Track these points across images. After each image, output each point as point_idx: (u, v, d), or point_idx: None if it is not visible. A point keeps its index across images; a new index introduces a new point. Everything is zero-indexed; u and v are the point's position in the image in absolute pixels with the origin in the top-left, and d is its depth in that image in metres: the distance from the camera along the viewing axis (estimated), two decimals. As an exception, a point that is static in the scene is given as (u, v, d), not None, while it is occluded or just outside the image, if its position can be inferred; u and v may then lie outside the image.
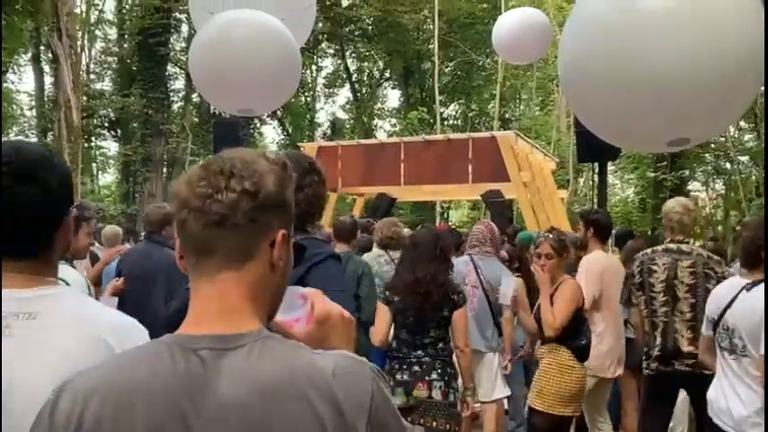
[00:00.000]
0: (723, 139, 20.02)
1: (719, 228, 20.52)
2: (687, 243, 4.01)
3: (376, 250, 5.36)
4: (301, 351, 1.00)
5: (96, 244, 6.02)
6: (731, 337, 2.81)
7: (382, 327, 3.76)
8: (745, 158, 21.42)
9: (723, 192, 23.98)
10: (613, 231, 7.04)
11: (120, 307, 3.83)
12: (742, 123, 20.21)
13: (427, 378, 3.67)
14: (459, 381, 3.90)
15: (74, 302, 1.31)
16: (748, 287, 2.79)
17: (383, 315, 3.77)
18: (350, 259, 4.84)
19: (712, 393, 2.94)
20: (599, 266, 4.58)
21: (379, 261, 5.13)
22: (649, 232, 17.05)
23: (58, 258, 1.36)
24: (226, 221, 0.99)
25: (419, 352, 3.74)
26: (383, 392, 1.00)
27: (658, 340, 3.86)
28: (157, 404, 0.93)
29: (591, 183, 21.26)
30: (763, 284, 2.69)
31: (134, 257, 4.40)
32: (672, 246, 3.95)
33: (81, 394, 0.95)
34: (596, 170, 8.36)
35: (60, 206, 1.31)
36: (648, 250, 4.08)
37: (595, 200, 9.74)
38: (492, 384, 4.57)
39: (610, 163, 11.87)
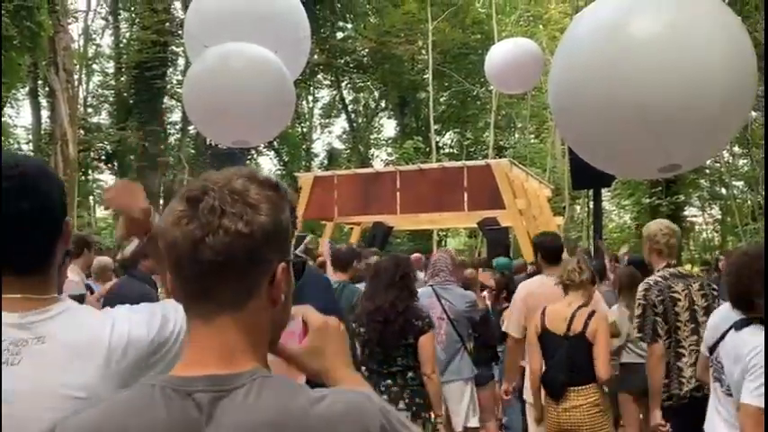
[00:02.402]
0: (718, 164, 20.15)
1: (717, 252, 20.50)
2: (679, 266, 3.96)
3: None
4: (301, 391, 0.93)
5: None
6: (720, 372, 2.71)
7: None
8: (740, 183, 21.55)
9: (719, 217, 24.05)
10: (625, 258, 7.02)
11: None
12: (736, 149, 20.37)
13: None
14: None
15: (80, 317, 1.28)
16: (737, 326, 2.65)
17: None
18: (345, 287, 4.82)
19: (709, 426, 2.81)
20: (523, 291, 4.49)
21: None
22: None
23: (56, 273, 1.34)
24: (221, 268, 0.91)
25: (388, 381, 3.68)
26: (393, 427, 0.93)
27: (690, 371, 3.63)
28: None
29: (587, 210, 21.33)
30: (751, 326, 2.57)
31: (115, 295, 4.34)
32: (673, 270, 3.84)
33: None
34: (592, 197, 8.40)
35: (61, 216, 1.31)
36: (658, 277, 3.84)
37: (592, 227, 9.76)
38: (464, 414, 4.50)
39: (605, 189, 11.94)
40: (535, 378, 3.92)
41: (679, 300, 3.73)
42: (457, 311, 4.48)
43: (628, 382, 4.67)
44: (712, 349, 2.84)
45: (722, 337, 2.71)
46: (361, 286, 5.15)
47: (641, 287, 3.87)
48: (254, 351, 0.96)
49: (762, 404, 2.36)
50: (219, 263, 0.90)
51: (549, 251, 4.55)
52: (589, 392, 3.70)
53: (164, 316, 1.31)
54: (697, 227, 24.68)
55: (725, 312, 2.84)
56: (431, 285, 4.65)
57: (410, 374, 3.70)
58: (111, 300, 4.24)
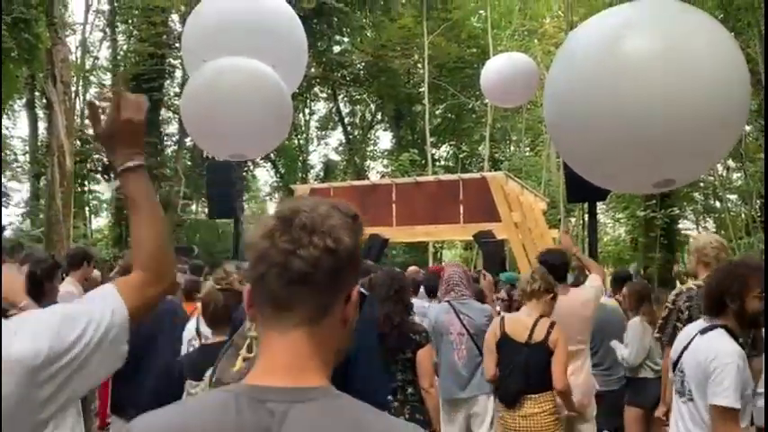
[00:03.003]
0: (712, 177, 20.25)
1: (711, 266, 20.55)
2: None
3: None
4: (372, 412, 1.00)
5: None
6: (682, 380, 2.75)
7: None
8: (734, 197, 21.66)
9: (714, 230, 24.13)
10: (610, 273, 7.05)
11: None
12: (730, 163, 20.49)
13: None
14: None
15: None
16: (703, 331, 2.68)
17: None
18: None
19: None
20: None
21: None
22: (642, 271, 17.05)
23: None
24: (308, 279, 0.99)
25: (389, 397, 3.65)
26: None
27: None
28: None
29: (582, 222, 21.38)
30: (716, 331, 2.63)
31: None
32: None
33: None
34: (587, 210, 8.43)
35: None
36: (692, 285, 3.87)
37: (587, 239, 9.78)
38: (487, 428, 4.50)
39: (600, 202, 11.99)
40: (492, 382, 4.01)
41: None
42: (476, 326, 4.46)
43: (639, 396, 4.69)
44: (676, 363, 2.85)
45: (687, 346, 2.75)
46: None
47: (673, 293, 3.98)
48: (324, 366, 1.02)
49: (730, 404, 2.46)
50: (308, 274, 0.98)
51: (556, 268, 4.48)
52: (545, 400, 3.75)
53: (71, 321, 1.23)
54: (691, 240, 24.73)
55: (690, 329, 2.87)
56: (447, 301, 4.62)
57: (410, 390, 3.70)
58: None
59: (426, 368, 3.67)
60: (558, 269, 4.44)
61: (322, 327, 1.01)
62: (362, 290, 2.08)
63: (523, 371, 3.75)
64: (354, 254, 1.04)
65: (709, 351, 2.57)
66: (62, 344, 1.19)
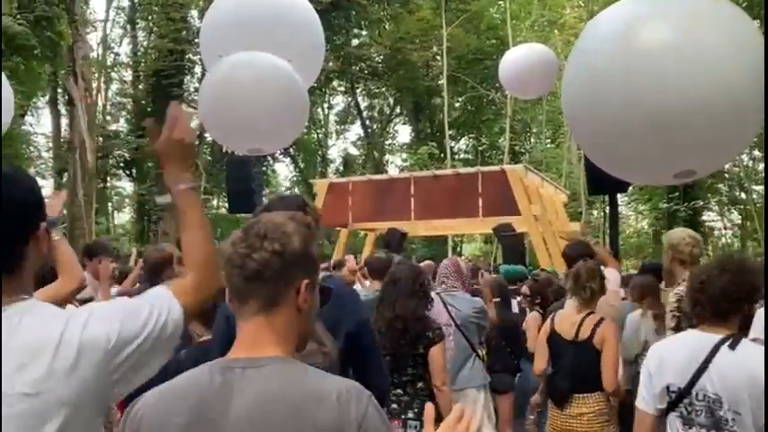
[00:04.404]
0: (737, 168, 19.94)
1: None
2: None
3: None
4: (314, 373, 1.27)
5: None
6: (713, 409, 2.25)
7: None
8: (759, 188, 21.29)
9: (739, 222, 23.78)
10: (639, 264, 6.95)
11: None
12: (756, 153, 20.14)
13: (403, 417, 3.55)
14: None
15: (38, 317, 1.29)
16: (731, 344, 2.25)
17: None
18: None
19: None
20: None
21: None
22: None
23: (31, 274, 1.36)
24: (260, 276, 1.26)
25: (398, 390, 3.63)
26: (378, 416, 1.23)
27: None
28: (194, 408, 1.21)
29: (603, 215, 21.20)
30: (745, 341, 2.28)
31: None
32: None
33: (148, 400, 1.27)
34: (608, 202, 8.33)
35: (28, 219, 1.32)
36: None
37: (608, 232, 9.69)
38: (478, 422, 4.44)
39: (622, 195, 11.86)
40: (541, 379, 3.93)
41: None
42: (464, 317, 4.41)
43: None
44: (686, 391, 2.31)
45: (704, 367, 2.26)
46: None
47: (672, 299, 3.72)
48: (282, 344, 1.28)
49: None
50: (259, 272, 1.25)
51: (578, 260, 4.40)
52: (595, 401, 3.63)
53: (134, 311, 1.34)
54: (716, 232, 24.42)
55: (689, 342, 2.39)
56: (437, 293, 4.59)
57: (420, 384, 3.65)
58: None
59: (439, 365, 3.62)
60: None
61: (276, 314, 1.28)
62: (329, 285, 2.12)
63: (570, 370, 3.67)
64: (303, 255, 1.29)
65: (761, 366, 2.14)
66: (130, 330, 1.31)
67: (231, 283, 1.29)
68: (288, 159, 29.27)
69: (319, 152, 30.43)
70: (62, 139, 23.14)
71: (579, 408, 3.63)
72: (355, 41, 28.08)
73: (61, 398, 1.20)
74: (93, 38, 23.74)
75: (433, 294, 4.57)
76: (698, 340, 2.34)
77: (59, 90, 22.04)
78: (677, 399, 2.33)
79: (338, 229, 13.29)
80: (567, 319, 3.80)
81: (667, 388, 2.36)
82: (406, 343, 3.59)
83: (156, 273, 4.24)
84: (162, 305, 1.38)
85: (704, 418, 2.27)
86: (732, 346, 2.25)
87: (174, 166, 1.63)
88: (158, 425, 1.23)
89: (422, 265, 7.28)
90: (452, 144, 26.18)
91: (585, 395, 3.63)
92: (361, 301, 2.36)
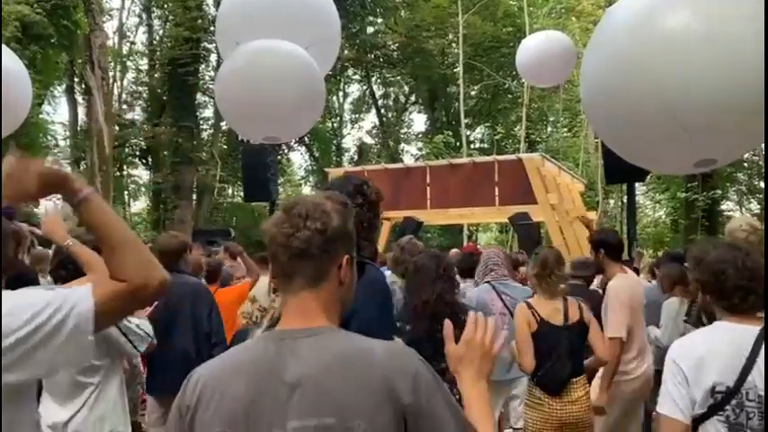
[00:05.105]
0: (756, 157, 19.67)
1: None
2: None
3: (388, 274, 5.19)
4: (361, 338, 1.36)
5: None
6: (754, 414, 2.02)
7: None
8: (779, 177, 20.98)
9: (758, 211, 23.48)
10: (637, 251, 6.92)
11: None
12: (775, 141, 19.83)
13: None
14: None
15: None
16: None
17: None
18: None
19: None
20: (625, 294, 4.21)
21: (393, 288, 4.92)
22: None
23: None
24: (305, 254, 1.34)
25: None
26: (427, 369, 1.31)
27: None
28: (254, 373, 1.31)
29: (620, 204, 21.03)
30: None
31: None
32: None
33: (203, 371, 1.36)
34: (625, 191, 8.25)
35: None
36: None
37: (625, 221, 9.61)
38: (522, 410, 4.43)
39: (639, 184, 11.73)
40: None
41: None
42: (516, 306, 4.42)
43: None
44: (735, 391, 2.05)
45: (751, 363, 2.05)
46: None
47: None
48: (328, 316, 1.37)
49: None
50: (302, 249, 1.33)
51: (615, 247, 4.37)
52: (583, 383, 3.70)
53: (25, 303, 1.32)
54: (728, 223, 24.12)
55: (726, 335, 2.15)
56: (488, 281, 4.61)
57: None
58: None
59: None
60: (615, 248, 4.36)
61: (321, 288, 1.37)
62: (367, 261, 2.19)
63: (569, 355, 3.66)
64: (343, 232, 1.38)
65: None
66: (15, 320, 1.28)
67: (277, 262, 1.36)
68: (303, 148, 29.30)
69: (334, 141, 30.40)
70: (79, 128, 23.31)
71: (577, 392, 3.65)
72: (371, 29, 27.95)
73: None
74: (110, 27, 23.85)
75: (482, 284, 4.58)
76: (734, 333, 2.13)
77: (76, 79, 22.19)
78: (724, 400, 2.04)
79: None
80: (547, 306, 3.75)
81: (712, 389, 2.05)
82: (440, 329, 3.56)
83: (175, 260, 4.28)
84: (66, 299, 1.34)
85: (756, 421, 2.01)
86: None
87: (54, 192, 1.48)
88: (219, 393, 1.30)
89: (451, 252, 7.22)
90: (468, 133, 26.05)
91: (577, 378, 3.67)
92: (374, 286, 2.29)
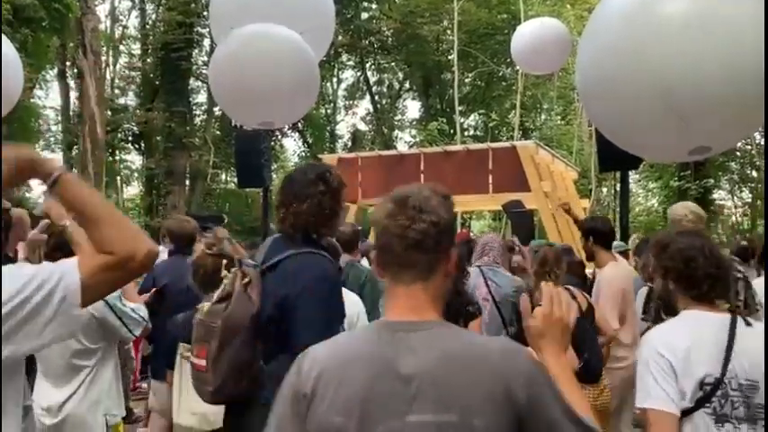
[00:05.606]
0: (749, 146, 19.75)
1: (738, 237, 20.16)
2: None
3: None
4: (471, 333, 1.47)
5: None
6: (749, 397, 1.99)
7: None
8: (771, 166, 21.07)
9: (749, 200, 23.61)
10: (633, 238, 6.94)
11: (154, 318, 3.79)
12: (768, 131, 19.90)
13: None
14: None
15: None
16: (746, 322, 2.08)
17: None
18: (351, 269, 4.82)
19: None
20: (618, 282, 4.23)
21: None
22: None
23: None
24: (420, 245, 1.36)
25: None
26: (539, 368, 1.34)
27: None
28: (370, 364, 1.33)
29: (613, 192, 21.09)
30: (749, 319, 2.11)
31: (169, 271, 4.35)
32: None
33: (318, 357, 1.39)
34: (619, 179, 8.27)
35: None
36: None
37: (618, 209, 9.64)
38: None
39: (632, 172, 11.77)
40: None
41: None
42: (503, 294, 4.39)
43: None
44: (719, 383, 2.01)
45: (729, 352, 2.03)
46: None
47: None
48: (436, 308, 1.41)
49: None
50: (420, 241, 1.36)
51: (605, 235, 4.34)
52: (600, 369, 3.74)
53: (14, 277, 1.32)
54: (726, 210, 24.27)
55: (705, 323, 2.10)
56: (478, 266, 4.58)
57: None
58: (166, 276, 4.33)
59: None
60: (606, 235, 4.35)
61: (431, 280, 1.40)
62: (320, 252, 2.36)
63: (596, 343, 3.67)
64: (451, 225, 1.42)
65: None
66: (1, 295, 1.27)
67: (390, 252, 1.39)
68: (296, 134, 29.19)
69: (328, 127, 30.30)
70: (71, 113, 23.13)
71: (605, 379, 3.64)
72: (365, 15, 27.79)
73: None
74: (102, 10, 23.61)
75: (473, 267, 4.56)
76: (709, 322, 2.09)
77: (68, 63, 21.99)
78: (711, 392, 1.99)
79: (347, 204, 13.31)
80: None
81: (702, 381, 2.00)
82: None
83: (188, 245, 4.27)
84: (53, 273, 1.34)
85: (742, 411, 1.98)
86: (748, 324, 2.07)
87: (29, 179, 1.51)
88: (336, 382, 1.33)
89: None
90: (462, 120, 26.00)
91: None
92: (306, 277, 2.31)
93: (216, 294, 2.30)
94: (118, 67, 25.95)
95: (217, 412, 2.65)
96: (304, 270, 2.29)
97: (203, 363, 2.22)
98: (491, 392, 1.26)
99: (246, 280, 2.27)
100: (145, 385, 7.67)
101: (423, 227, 1.35)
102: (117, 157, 25.49)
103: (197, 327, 2.31)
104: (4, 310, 1.27)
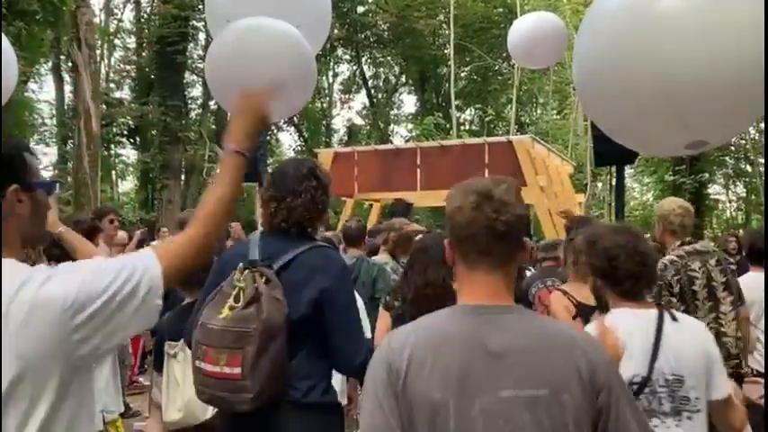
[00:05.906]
0: (743, 141, 19.80)
1: (741, 232, 20.23)
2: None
3: (383, 256, 5.21)
4: (550, 319, 1.56)
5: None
6: (674, 391, 2.08)
7: (383, 331, 3.70)
8: (765, 161, 21.12)
9: (744, 195, 23.68)
10: None
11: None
12: (762, 125, 19.96)
13: None
14: None
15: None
16: (673, 318, 2.15)
17: (385, 319, 3.72)
18: (362, 263, 4.82)
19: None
20: None
21: (386, 270, 4.89)
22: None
23: (10, 235, 1.38)
24: (506, 235, 1.45)
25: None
26: (612, 361, 1.49)
27: None
28: (463, 343, 1.39)
29: (609, 187, 21.12)
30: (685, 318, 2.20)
31: None
32: (689, 248, 3.76)
33: (405, 339, 1.43)
34: (614, 174, 8.28)
35: None
36: (674, 256, 3.74)
37: (613, 204, 9.65)
38: None
39: (628, 167, 11.77)
40: None
41: (696, 278, 3.66)
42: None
43: None
44: (647, 380, 2.11)
45: (656, 349, 2.10)
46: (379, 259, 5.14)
47: (657, 267, 3.66)
48: (512, 294, 1.50)
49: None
50: (505, 232, 1.44)
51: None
52: None
53: (100, 270, 1.34)
54: (721, 205, 24.35)
55: (633, 321, 2.17)
56: None
57: None
58: None
59: None
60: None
61: (510, 268, 1.50)
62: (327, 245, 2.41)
63: None
64: (526, 217, 1.51)
65: (709, 336, 2.14)
66: (91, 290, 1.30)
67: (475, 241, 1.46)
68: (292, 128, 29.14)
69: (323, 122, 30.25)
70: (66, 107, 23.03)
71: None
72: (361, 8, 27.71)
73: (13, 352, 1.24)
74: (96, 3, 23.47)
75: None
76: (637, 319, 2.14)
77: (62, 56, 21.87)
78: (638, 390, 2.06)
79: (343, 199, 13.28)
80: (582, 290, 3.73)
81: (630, 380, 2.05)
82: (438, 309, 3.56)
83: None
84: (136, 265, 1.37)
85: (668, 406, 2.07)
86: (674, 319, 2.14)
87: (239, 124, 1.85)
88: (431, 359, 1.38)
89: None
90: (458, 114, 25.99)
91: None
92: (336, 269, 2.33)
93: (232, 298, 2.21)
94: (113, 60, 25.85)
95: (203, 407, 2.63)
96: (331, 262, 2.34)
97: (237, 371, 2.11)
98: (579, 372, 1.36)
99: (264, 279, 2.21)
100: (142, 379, 7.68)
101: (510, 219, 1.44)
102: (112, 152, 25.41)
103: (220, 334, 2.16)
104: (94, 306, 1.30)
